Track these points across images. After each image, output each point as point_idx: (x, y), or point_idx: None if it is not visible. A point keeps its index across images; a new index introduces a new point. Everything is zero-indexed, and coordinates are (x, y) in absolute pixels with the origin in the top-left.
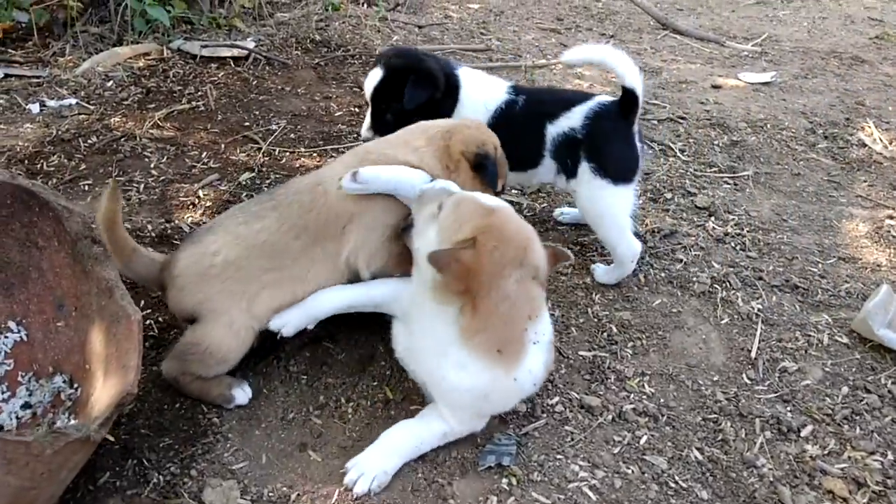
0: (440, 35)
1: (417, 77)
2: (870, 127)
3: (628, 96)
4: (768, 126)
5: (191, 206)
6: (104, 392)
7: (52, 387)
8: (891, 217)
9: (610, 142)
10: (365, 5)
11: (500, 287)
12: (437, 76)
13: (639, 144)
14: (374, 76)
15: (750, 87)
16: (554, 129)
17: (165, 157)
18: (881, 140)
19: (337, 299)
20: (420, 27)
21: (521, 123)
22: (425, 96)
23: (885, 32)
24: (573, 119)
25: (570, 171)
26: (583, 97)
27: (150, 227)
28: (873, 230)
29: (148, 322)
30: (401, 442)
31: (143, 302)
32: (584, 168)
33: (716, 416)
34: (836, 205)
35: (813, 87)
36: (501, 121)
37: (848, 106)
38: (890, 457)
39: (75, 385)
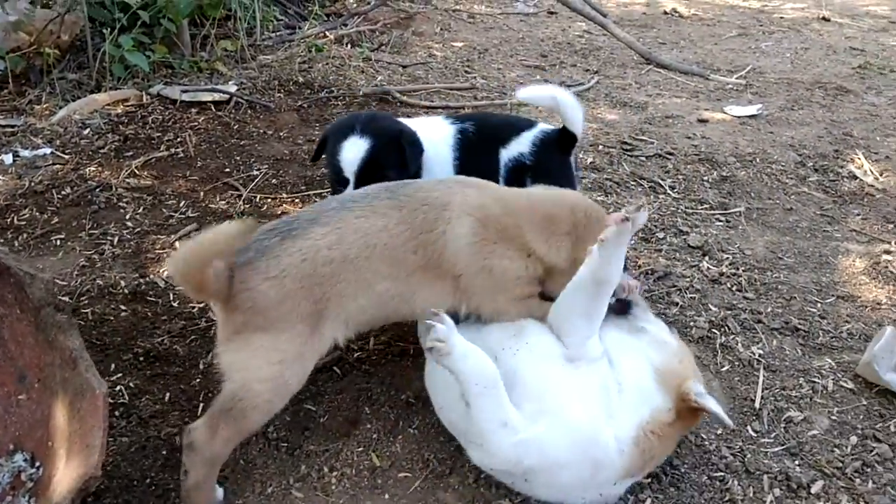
0: (424, 74)
1: (409, 139)
2: (859, 158)
3: (568, 135)
4: (757, 160)
5: (166, 260)
6: (66, 473)
7: (12, 466)
8: (887, 252)
9: (555, 167)
10: (349, 46)
11: None
12: (414, 132)
13: (577, 172)
14: (357, 147)
15: (737, 120)
16: (507, 155)
17: (142, 208)
18: (872, 172)
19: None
20: (404, 66)
21: (478, 150)
22: (421, 157)
23: (867, 62)
24: (522, 145)
25: None
26: (528, 124)
27: (122, 283)
28: (870, 266)
29: (118, 388)
30: None
31: (112, 365)
32: None
33: (722, 473)
34: (830, 240)
35: (800, 119)
36: (461, 152)
37: (836, 137)
38: None
39: (37, 464)
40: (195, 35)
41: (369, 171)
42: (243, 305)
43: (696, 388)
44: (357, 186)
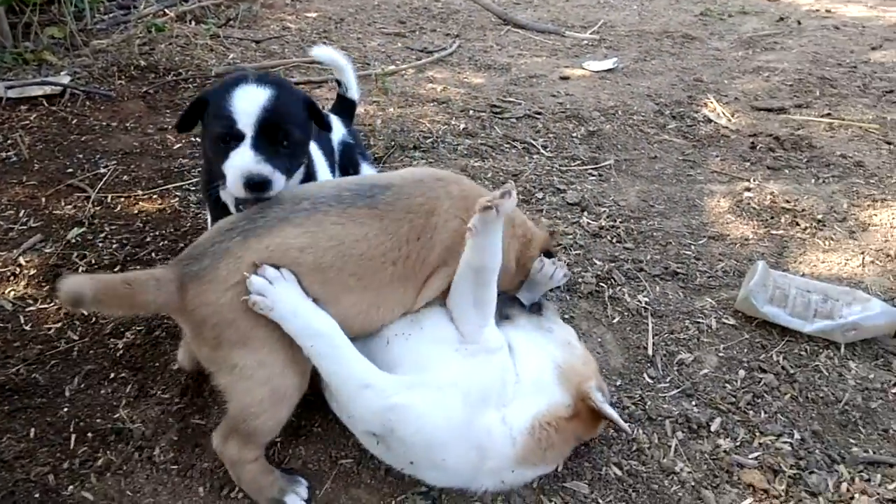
0: (280, 49)
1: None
2: (712, 102)
3: (347, 104)
4: (619, 112)
5: (12, 278)
6: None
7: None
8: (748, 189)
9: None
10: (192, 23)
11: None
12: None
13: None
14: (256, 94)
15: (596, 75)
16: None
17: None
18: (724, 114)
19: None
20: (257, 42)
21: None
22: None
23: (707, 9)
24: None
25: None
26: None
27: None
28: (734, 204)
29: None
30: None
31: None
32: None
33: (627, 423)
34: (695, 183)
35: (653, 69)
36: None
37: (688, 84)
38: (797, 436)
39: None
40: (15, 24)
41: (271, 124)
42: (209, 321)
43: (596, 392)
44: (256, 143)
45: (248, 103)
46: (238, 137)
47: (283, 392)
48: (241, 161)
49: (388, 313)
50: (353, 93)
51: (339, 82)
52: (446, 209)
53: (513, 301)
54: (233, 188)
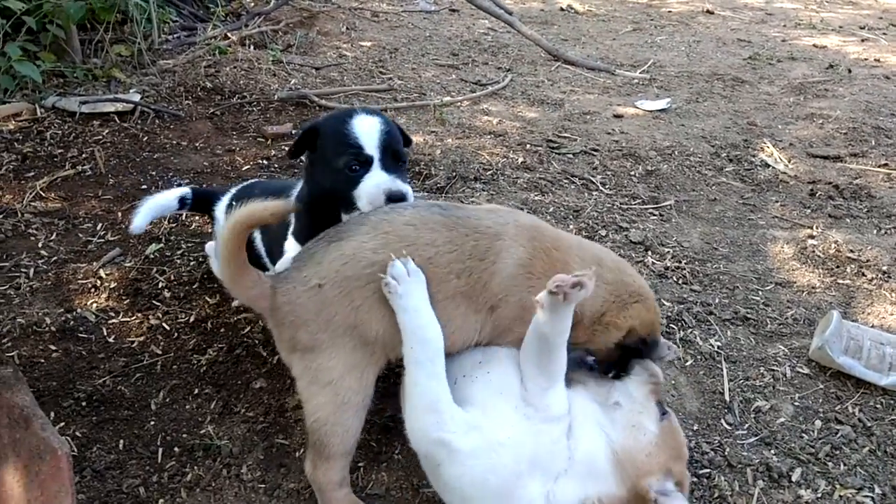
0: (339, 76)
1: None
2: (768, 147)
3: None
4: (676, 153)
5: (93, 290)
6: None
7: None
8: (811, 237)
9: None
10: (252, 48)
11: None
12: None
13: None
14: (373, 122)
15: (649, 114)
16: None
17: (55, 234)
18: (781, 159)
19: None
20: (317, 69)
21: None
22: None
23: (755, 53)
24: None
25: None
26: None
27: (48, 319)
28: (798, 251)
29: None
30: None
31: (52, 414)
32: None
33: (707, 470)
34: (757, 228)
35: (706, 111)
36: None
37: (742, 127)
38: (877, 490)
39: None
40: (84, 41)
41: (391, 148)
42: (286, 319)
43: (657, 486)
44: (384, 165)
45: (371, 131)
46: (368, 162)
47: (343, 397)
48: (380, 180)
49: (455, 332)
50: None
51: None
52: (512, 235)
53: (577, 361)
54: (375, 206)
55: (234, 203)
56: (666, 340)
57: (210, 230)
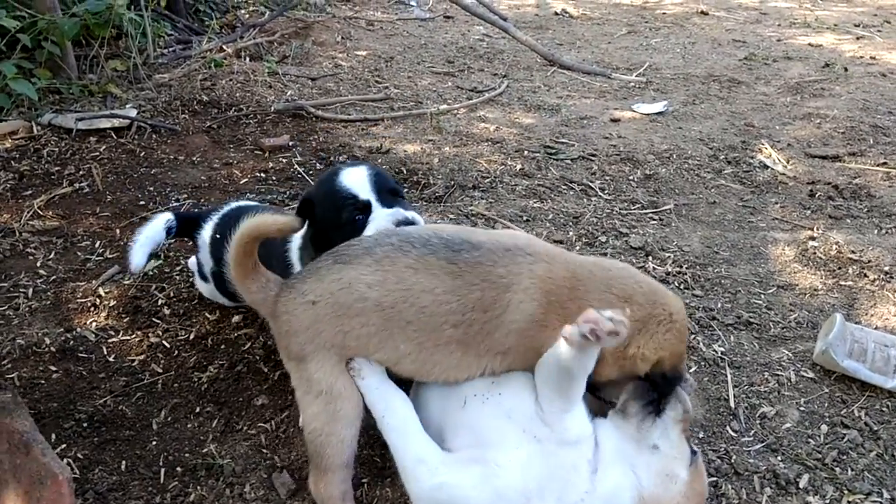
0: (336, 86)
1: None
2: (766, 148)
3: None
4: (674, 156)
5: (92, 309)
6: None
7: None
8: (812, 238)
9: None
10: (247, 60)
11: None
12: None
13: None
14: (359, 171)
15: (646, 118)
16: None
17: (53, 252)
18: (780, 160)
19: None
20: (313, 79)
21: None
22: None
23: (751, 53)
24: None
25: None
26: None
27: (47, 340)
28: (799, 253)
29: (64, 460)
30: None
31: (53, 435)
32: None
33: (714, 477)
34: (757, 230)
35: (703, 113)
36: None
37: (739, 128)
38: (886, 495)
39: None
40: (80, 56)
41: (384, 187)
42: (283, 328)
43: None
44: (383, 204)
45: (360, 179)
46: (367, 207)
47: (336, 407)
48: (384, 215)
49: (447, 374)
50: None
51: None
52: (524, 288)
53: (637, 391)
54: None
55: (220, 226)
56: (686, 375)
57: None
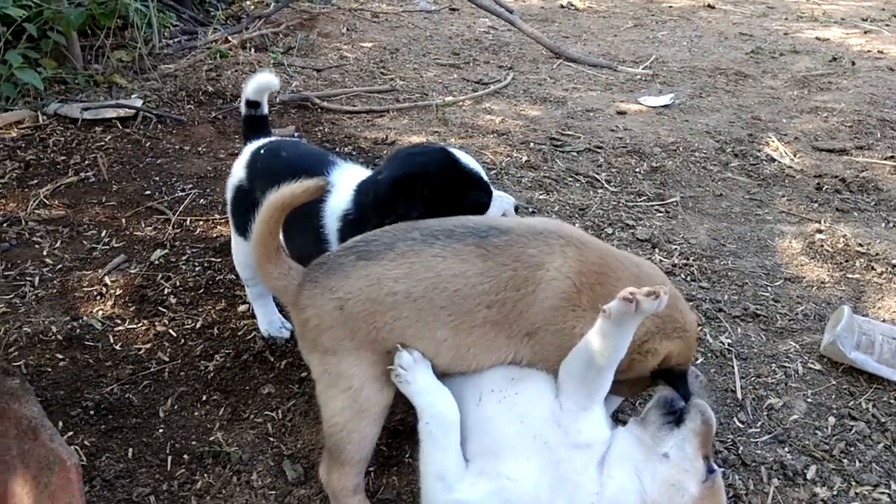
0: (341, 78)
1: None
2: (773, 141)
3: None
4: (680, 149)
5: (99, 297)
6: None
7: None
8: (819, 231)
9: None
10: (253, 51)
11: None
12: None
13: None
14: (468, 156)
15: (653, 110)
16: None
17: (59, 241)
18: (787, 154)
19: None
20: (318, 70)
21: None
22: None
23: (758, 47)
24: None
25: None
26: None
27: (54, 328)
28: (807, 246)
29: (71, 448)
30: None
31: (60, 423)
32: None
33: (722, 469)
34: (764, 223)
35: (710, 106)
36: None
37: (746, 122)
38: (893, 487)
39: None
40: (85, 46)
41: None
42: (311, 323)
43: None
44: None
45: (473, 162)
46: (490, 190)
47: (362, 404)
48: (503, 199)
49: (482, 358)
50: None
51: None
52: (556, 266)
53: (661, 401)
54: None
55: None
56: (693, 368)
57: (214, 235)
